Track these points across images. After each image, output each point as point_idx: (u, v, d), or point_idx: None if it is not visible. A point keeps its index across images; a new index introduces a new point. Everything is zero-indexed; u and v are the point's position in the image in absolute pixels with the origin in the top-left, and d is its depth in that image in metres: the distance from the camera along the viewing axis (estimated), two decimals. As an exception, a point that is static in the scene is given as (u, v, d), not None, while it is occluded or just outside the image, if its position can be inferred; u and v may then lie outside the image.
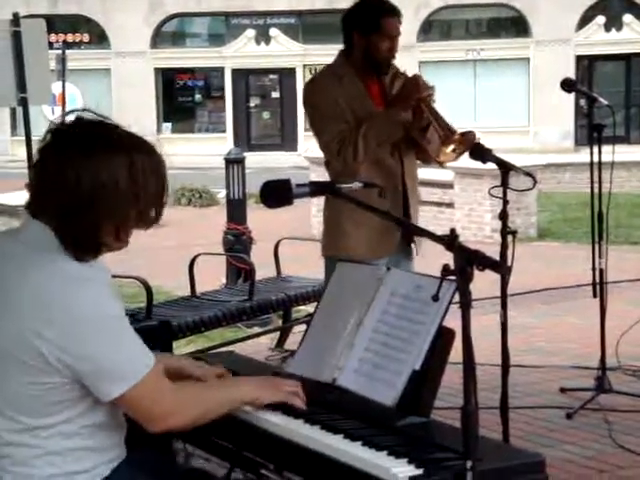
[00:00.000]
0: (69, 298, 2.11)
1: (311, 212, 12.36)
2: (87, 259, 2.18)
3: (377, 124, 4.00)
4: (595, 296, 5.17)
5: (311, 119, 4.18)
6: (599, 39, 28.05)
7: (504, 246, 3.82)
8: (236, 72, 30.03)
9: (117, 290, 2.24)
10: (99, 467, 2.25)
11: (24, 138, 7.34)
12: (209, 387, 2.47)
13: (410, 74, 4.11)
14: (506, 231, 3.84)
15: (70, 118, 2.25)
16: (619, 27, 28.20)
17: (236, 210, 7.81)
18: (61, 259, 2.15)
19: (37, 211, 2.19)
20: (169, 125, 30.50)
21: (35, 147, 2.25)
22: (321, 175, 4.28)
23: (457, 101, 26.30)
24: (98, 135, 2.19)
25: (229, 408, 2.37)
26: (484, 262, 2.09)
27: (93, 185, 2.12)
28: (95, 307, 2.13)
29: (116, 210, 2.16)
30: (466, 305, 2.03)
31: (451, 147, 3.95)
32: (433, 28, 29.64)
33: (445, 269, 2.11)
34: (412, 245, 4.22)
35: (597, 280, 5.14)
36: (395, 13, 4.10)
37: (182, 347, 5.77)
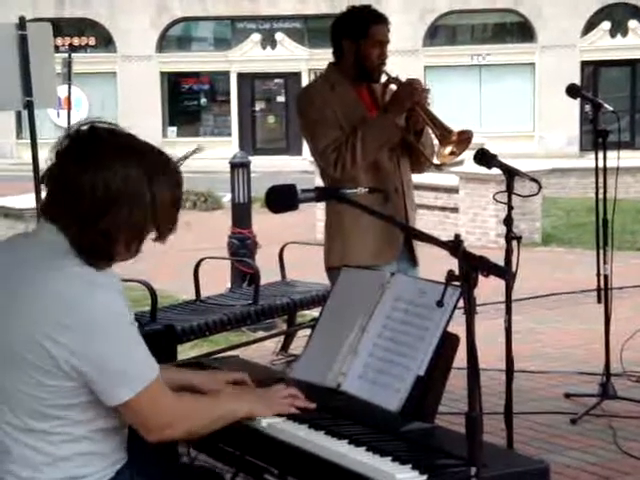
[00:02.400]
0: (83, 302, 2.12)
1: (316, 216, 12.36)
2: (100, 266, 2.18)
3: (374, 129, 3.99)
4: (600, 302, 5.16)
5: (305, 127, 4.15)
6: (604, 45, 28.03)
7: (509, 251, 3.82)
8: (242, 76, 30.05)
9: (126, 297, 2.24)
10: (104, 470, 2.26)
11: (29, 141, 7.34)
12: (206, 402, 2.45)
13: (404, 79, 4.11)
14: (511, 236, 3.84)
15: (85, 125, 2.24)
16: (624, 33, 28.18)
17: (241, 214, 7.80)
18: (75, 264, 2.16)
19: (53, 216, 2.20)
20: (174, 129, 30.51)
21: (43, 150, 2.25)
22: (320, 175, 4.27)
23: (462, 106, 26.32)
24: (116, 145, 2.19)
25: (224, 423, 2.37)
26: (489, 268, 2.09)
27: (109, 194, 2.12)
28: (108, 312, 2.14)
29: (131, 220, 2.16)
30: (471, 311, 2.03)
31: (449, 149, 3.95)
32: (439, 33, 29.65)
33: (450, 275, 2.11)
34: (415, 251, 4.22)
35: (602, 286, 5.12)
36: (383, 20, 4.12)
37: (186, 351, 5.77)
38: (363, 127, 3.98)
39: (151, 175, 2.17)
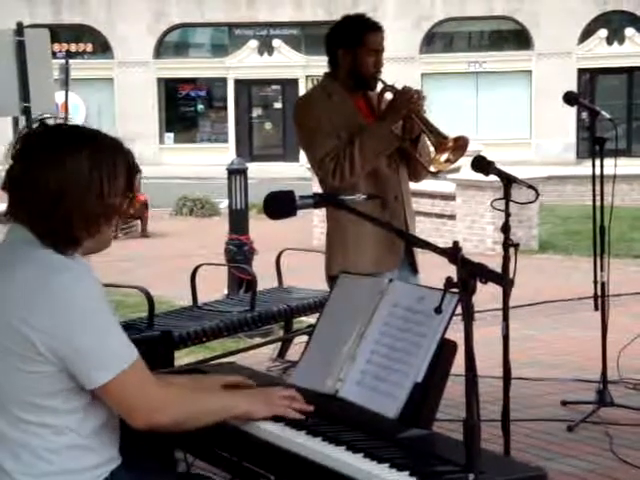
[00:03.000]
0: (53, 285, 2.17)
1: (313, 223, 12.37)
2: (68, 252, 2.24)
3: (371, 138, 3.99)
4: (596, 309, 5.17)
5: (303, 137, 4.14)
6: (601, 52, 28.11)
7: (506, 258, 3.82)
8: (239, 82, 30.10)
9: (99, 281, 2.28)
10: (96, 469, 2.25)
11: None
12: (199, 392, 2.46)
13: (400, 86, 4.11)
14: (508, 243, 3.84)
15: (34, 124, 2.36)
16: (621, 41, 28.26)
17: (238, 220, 7.80)
18: (43, 252, 2.22)
19: (16, 214, 2.27)
20: (171, 135, 30.54)
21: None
22: (319, 184, 4.27)
23: (459, 113, 26.37)
24: (61, 136, 2.29)
25: (217, 418, 2.37)
26: (487, 275, 2.09)
27: (59, 183, 2.20)
28: (79, 292, 2.18)
29: (83, 204, 2.22)
30: (469, 318, 2.03)
31: (444, 156, 3.95)
32: (435, 40, 29.71)
33: (448, 281, 2.11)
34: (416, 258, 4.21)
35: (599, 293, 5.13)
36: (378, 28, 4.12)
37: (183, 357, 5.77)
38: (360, 136, 3.98)
39: (100, 162, 2.25)
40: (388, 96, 4.12)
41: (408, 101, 3.97)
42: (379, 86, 4.15)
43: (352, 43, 4.07)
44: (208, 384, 2.59)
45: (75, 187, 2.21)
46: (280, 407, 2.43)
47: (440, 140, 3.92)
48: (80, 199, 2.21)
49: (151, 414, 2.25)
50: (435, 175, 4.25)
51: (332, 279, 4.04)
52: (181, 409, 2.31)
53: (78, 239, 2.25)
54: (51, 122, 2.34)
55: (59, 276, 2.18)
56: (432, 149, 4.01)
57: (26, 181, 2.23)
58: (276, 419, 2.41)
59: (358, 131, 4.01)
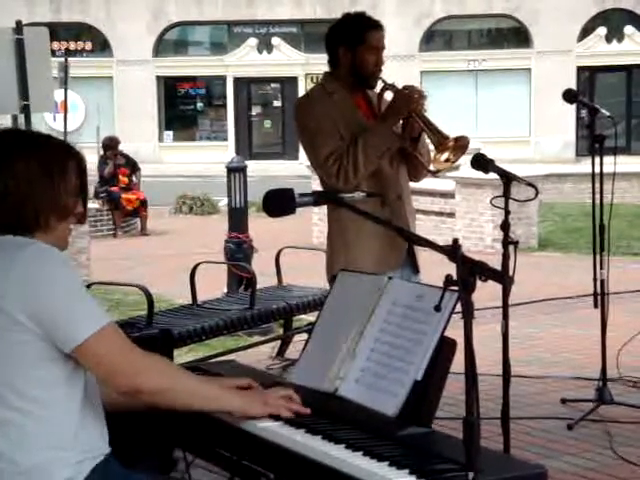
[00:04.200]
0: (19, 258, 2.27)
1: (312, 221, 12.36)
2: (26, 235, 2.34)
3: (374, 138, 3.97)
4: (596, 307, 5.17)
5: (304, 137, 4.11)
6: (600, 50, 28.11)
7: (505, 256, 3.82)
8: (238, 81, 30.08)
9: (66, 258, 2.39)
10: (86, 445, 2.27)
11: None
12: (189, 373, 2.48)
13: (400, 85, 4.10)
14: (507, 241, 3.84)
15: None
16: (620, 39, 28.25)
17: (237, 218, 7.80)
18: (4, 237, 2.34)
19: None
20: (171, 133, 30.53)
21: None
22: (320, 184, 4.27)
23: (458, 111, 26.37)
24: (11, 141, 2.41)
25: (205, 405, 2.38)
26: (487, 273, 2.09)
27: (7, 182, 2.33)
28: (46, 260, 2.28)
29: (32, 197, 2.33)
30: (468, 316, 2.03)
31: (445, 156, 3.94)
32: (435, 38, 29.70)
33: (447, 279, 2.10)
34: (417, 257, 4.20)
35: (598, 291, 5.13)
36: (378, 26, 4.11)
37: (183, 355, 5.77)
38: (363, 136, 3.95)
39: (51, 164, 2.36)
40: (388, 95, 4.11)
41: (409, 101, 3.96)
42: (379, 85, 4.14)
43: (353, 41, 4.05)
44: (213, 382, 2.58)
45: (25, 186, 2.32)
46: (276, 407, 2.43)
47: (441, 140, 3.91)
48: (30, 196, 2.32)
49: (135, 377, 2.27)
50: (435, 174, 4.24)
51: (334, 279, 4.04)
52: (163, 378, 2.33)
53: (29, 229, 2.34)
54: (7, 129, 2.47)
55: (24, 250, 2.28)
56: (432, 147, 4.00)
57: None
58: (275, 417, 2.41)
59: (360, 132, 3.99)
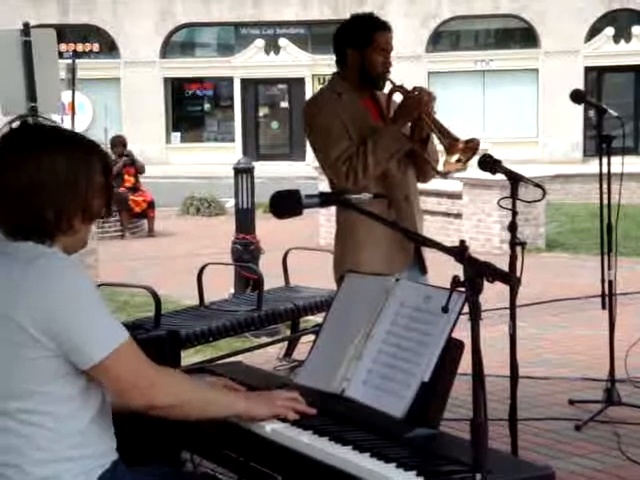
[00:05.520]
0: (35, 268, 2.19)
1: (319, 222, 12.36)
2: (45, 243, 2.26)
3: (384, 139, 3.97)
4: (604, 308, 5.15)
5: (314, 138, 4.10)
6: (608, 50, 28.05)
7: (513, 257, 3.81)
8: (245, 82, 30.10)
9: (81, 264, 2.33)
10: (96, 456, 2.26)
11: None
12: (197, 382, 2.48)
13: (409, 86, 4.09)
14: (515, 242, 3.83)
15: (16, 123, 2.39)
16: (628, 39, 28.19)
17: (245, 220, 7.80)
18: (16, 244, 2.25)
19: None
20: (178, 134, 30.56)
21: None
22: (328, 185, 4.26)
23: (466, 112, 26.36)
24: (39, 135, 2.32)
25: (215, 413, 2.37)
26: (494, 274, 2.08)
27: (33, 179, 2.23)
28: (63, 271, 2.21)
29: (57, 201, 2.25)
30: (476, 317, 2.02)
31: (455, 157, 3.93)
32: (442, 39, 29.68)
33: (455, 280, 2.10)
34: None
35: (606, 292, 5.12)
36: (387, 28, 4.11)
37: (190, 357, 5.77)
38: (374, 138, 3.95)
39: (77, 161, 2.28)
40: (397, 97, 4.10)
41: (419, 103, 3.95)
42: (388, 86, 4.14)
43: (361, 42, 4.05)
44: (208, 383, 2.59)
45: (50, 183, 2.24)
46: (281, 408, 2.43)
47: (451, 142, 3.90)
48: (54, 195, 2.24)
49: (151, 392, 2.25)
50: (444, 176, 4.23)
51: (342, 279, 4.04)
52: (180, 391, 2.32)
53: (51, 234, 2.27)
54: (34, 121, 2.39)
55: (41, 261, 2.21)
56: (440, 148, 3.99)
57: (3, 178, 2.25)
58: (282, 419, 2.41)
59: (369, 133, 3.99)
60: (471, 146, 3.90)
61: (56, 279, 2.19)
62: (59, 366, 2.21)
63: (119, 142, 14.75)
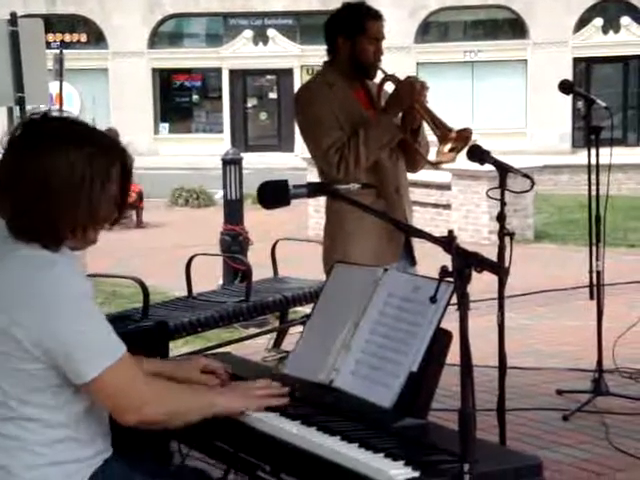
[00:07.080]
0: (35, 280, 2.14)
1: (308, 213, 12.36)
2: (51, 248, 2.20)
3: (376, 129, 3.95)
4: (592, 298, 5.17)
5: (305, 128, 4.09)
6: (597, 41, 28.09)
7: (501, 248, 3.82)
8: (233, 73, 30.04)
9: (84, 272, 2.26)
10: (87, 459, 2.25)
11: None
12: (184, 388, 2.45)
13: (401, 76, 4.08)
14: (503, 233, 3.84)
15: (37, 115, 2.29)
16: (617, 29, 28.23)
17: (233, 211, 7.80)
18: (27, 248, 2.18)
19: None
20: (166, 125, 30.49)
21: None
22: (318, 176, 4.26)
23: (455, 102, 26.32)
24: (63, 129, 2.24)
25: (199, 416, 2.35)
26: (482, 264, 2.08)
27: (47, 173, 2.15)
28: (62, 286, 2.15)
29: (69, 209, 2.17)
30: (464, 307, 2.02)
31: (448, 146, 3.92)
32: (431, 29, 29.67)
33: (443, 271, 2.10)
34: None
35: (594, 282, 5.13)
36: (378, 16, 4.09)
37: (179, 347, 5.77)
38: (365, 128, 3.93)
39: (97, 165, 2.20)
40: (388, 86, 4.09)
41: (412, 92, 3.93)
42: (379, 75, 4.12)
43: (352, 31, 4.03)
44: (184, 372, 2.56)
45: (63, 185, 2.16)
46: (259, 398, 2.42)
47: (444, 132, 3.89)
48: (66, 201, 2.16)
49: (142, 408, 2.24)
50: (436, 166, 4.23)
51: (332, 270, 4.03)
52: (169, 403, 2.30)
53: (61, 239, 2.21)
54: (56, 115, 2.31)
55: (42, 273, 2.15)
56: (432, 138, 3.99)
57: (16, 168, 2.18)
58: (270, 410, 2.41)
59: (360, 122, 3.97)
60: (464, 135, 3.90)
61: (55, 295, 2.14)
62: (52, 377, 2.19)
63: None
